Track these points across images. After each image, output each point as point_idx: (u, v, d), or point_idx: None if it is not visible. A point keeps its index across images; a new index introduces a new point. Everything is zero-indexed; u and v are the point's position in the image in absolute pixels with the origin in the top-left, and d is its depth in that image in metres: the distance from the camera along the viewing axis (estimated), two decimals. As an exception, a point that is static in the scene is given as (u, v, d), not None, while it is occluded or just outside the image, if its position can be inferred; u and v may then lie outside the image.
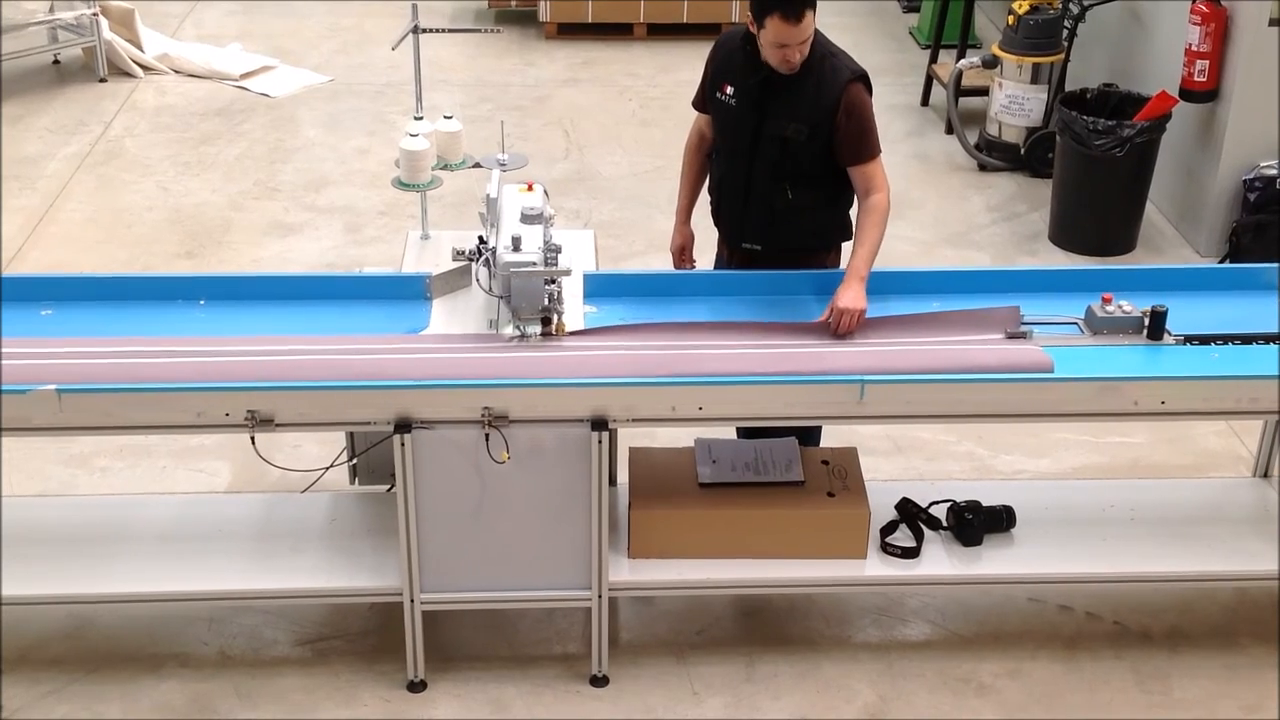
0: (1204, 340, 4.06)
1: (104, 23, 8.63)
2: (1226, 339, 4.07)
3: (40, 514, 4.41)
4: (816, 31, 4.17)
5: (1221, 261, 6.63)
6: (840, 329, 4.04)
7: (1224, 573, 4.25)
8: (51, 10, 8.68)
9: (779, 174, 4.22)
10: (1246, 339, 4.06)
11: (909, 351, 3.95)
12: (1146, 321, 4.04)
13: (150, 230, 6.98)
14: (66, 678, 4.19)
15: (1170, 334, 4.04)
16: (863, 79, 4.18)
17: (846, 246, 4.40)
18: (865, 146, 4.18)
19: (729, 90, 4.25)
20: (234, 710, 4.11)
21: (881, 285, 4.32)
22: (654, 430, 4.77)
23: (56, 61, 8.94)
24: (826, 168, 4.21)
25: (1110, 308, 4.06)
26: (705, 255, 4.71)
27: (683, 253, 4.61)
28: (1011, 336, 4.06)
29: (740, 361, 3.89)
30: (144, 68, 8.85)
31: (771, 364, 3.88)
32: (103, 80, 8.68)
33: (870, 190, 4.19)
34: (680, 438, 4.54)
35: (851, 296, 4.04)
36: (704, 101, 4.40)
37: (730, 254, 4.48)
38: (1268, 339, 4.06)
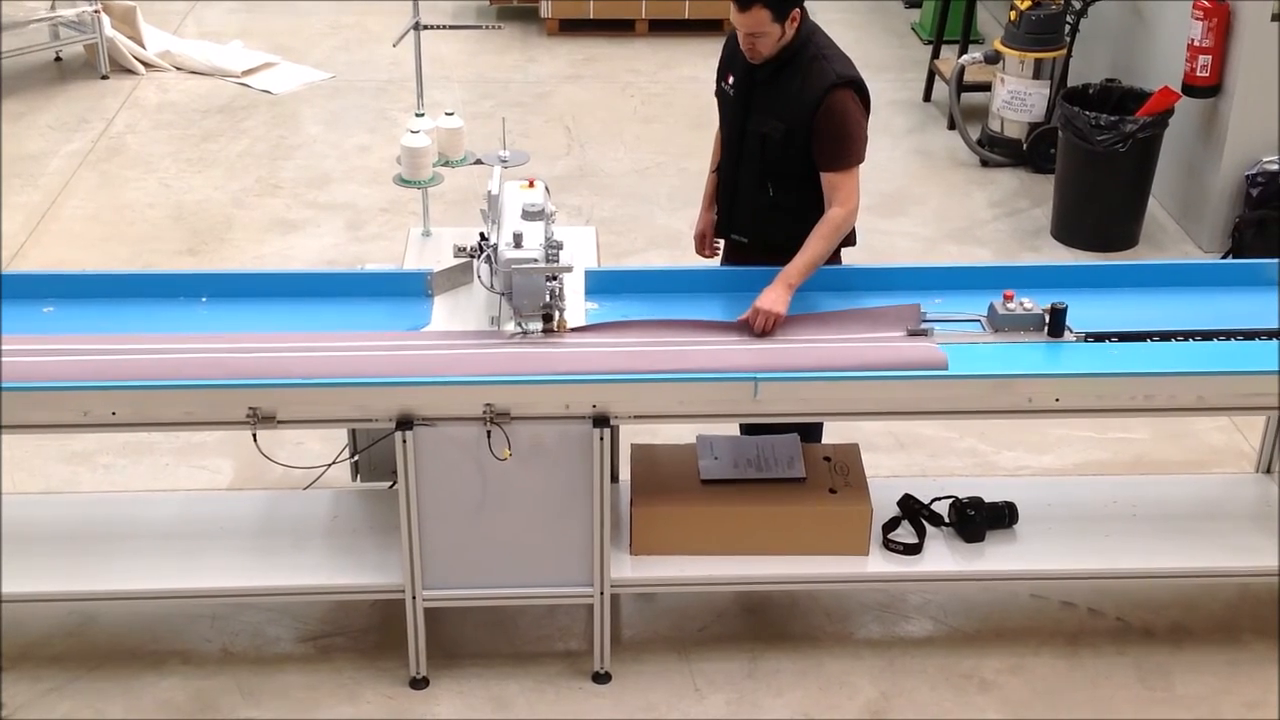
0: (1102, 337, 4.04)
1: (106, 20, 8.62)
2: (1124, 336, 4.05)
3: (43, 511, 4.42)
4: (817, 31, 4.14)
5: (1224, 257, 6.62)
6: (756, 329, 4.02)
7: (1227, 569, 4.24)
8: (53, 7, 8.67)
9: (761, 170, 4.21)
10: (1139, 336, 4.05)
11: (804, 349, 3.93)
12: (1047, 319, 4.03)
13: (152, 227, 6.98)
14: (69, 675, 4.20)
15: (1071, 331, 4.03)
16: (851, 85, 4.09)
17: (846, 250, 4.39)
18: (838, 154, 4.10)
19: (730, 81, 4.25)
20: (236, 707, 4.11)
21: (885, 283, 4.33)
22: (657, 427, 4.77)
23: (58, 59, 8.94)
24: (810, 169, 4.15)
25: (1011, 305, 4.04)
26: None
27: (704, 238, 4.59)
28: (912, 334, 4.04)
29: (634, 359, 3.87)
30: (146, 65, 8.85)
31: (665, 361, 3.86)
32: (105, 77, 8.68)
33: (832, 201, 4.11)
34: (683, 434, 4.54)
35: (771, 299, 4.01)
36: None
37: (725, 244, 4.49)
38: (1162, 336, 4.06)
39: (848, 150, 4.11)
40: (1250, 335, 4.08)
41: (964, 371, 3.86)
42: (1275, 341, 4.03)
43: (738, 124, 4.23)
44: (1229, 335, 4.08)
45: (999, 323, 4.04)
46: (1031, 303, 4.04)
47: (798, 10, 4.05)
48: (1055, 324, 4.01)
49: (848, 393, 3.85)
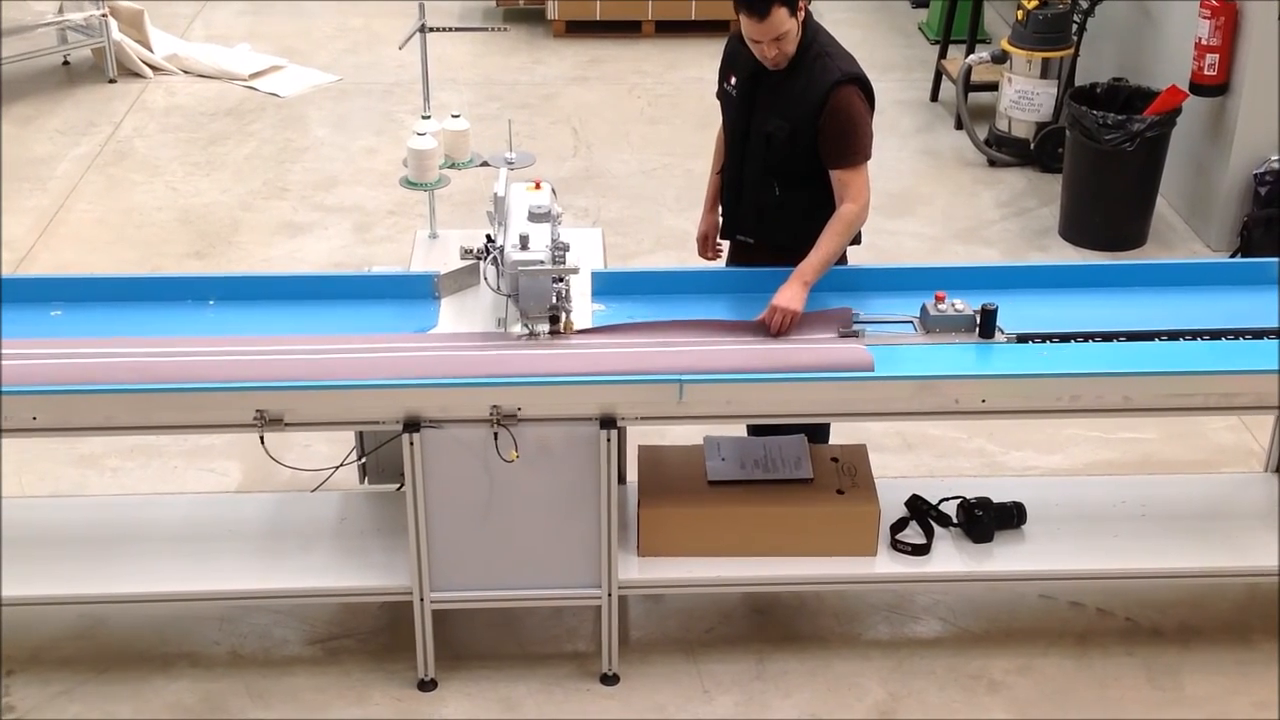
0: (1031, 339, 4.03)
1: (113, 24, 8.63)
2: (1052, 338, 4.04)
3: (51, 514, 4.43)
4: (820, 30, 4.14)
5: (1233, 255, 6.61)
6: (774, 328, 4.01)
7: (1235, 568, 4.23)
8: (61, 11, 8.69)
9: (766, 170, 4.21)
10: (1066, 337, 4.04)
11: (730, 351, 3.92)
12: (979, 320, 4.02)
13: (160, 231, 6.99)
14: (78, 678, 4.20)
15: (1002, 332, 4.02)
16: (855, 82, 4.09)
17: (852, 249, 4.39)
18: (845, 151, 4.10)
19: (732, 81, 4.25)
20: (245, 709, 4.11)
21: (892, 283, 4.32)
22: (664, 428, 4.77)
23: (66, 62, 8.96)
24: (815, 168, 4.15)
25: (943, 306, 4.04)
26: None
27: (706, 240, 4.59)
28: (844, 335, 4.03)
29: (556, 362, 3.87)
30: (153, 68, 8.86)
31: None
32: (112, 81, 8.70)
33: (843, 198, 4.11)
34: (691, 436, 4.53)
35: (788, 296, 4.01)
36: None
37: (730, 245, 4.49)
38: (1088, 337, 4.04)
39: (855, 147, 4.10)
40: (1219, 335, 4.07)
41: (890, 373, 3.85)
42: (1212, 342, 4.03)
43: (742, 124, 4.23)
44: (1196, 335, 4.07)
45: (931, 324, 4.04)
46: (963, 304, 4.03)
47: (803, 1, 4.06)
48: (986, 325, 4.00)
49: (775, 394, 3.84)
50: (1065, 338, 4.05)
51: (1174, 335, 4.07)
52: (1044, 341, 4.03)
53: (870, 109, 4.16)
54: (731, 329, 4.05)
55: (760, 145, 4.19)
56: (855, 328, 4.05)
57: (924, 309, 4.06)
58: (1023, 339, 4.03)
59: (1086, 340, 4.05)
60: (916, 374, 3.86)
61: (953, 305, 4.03)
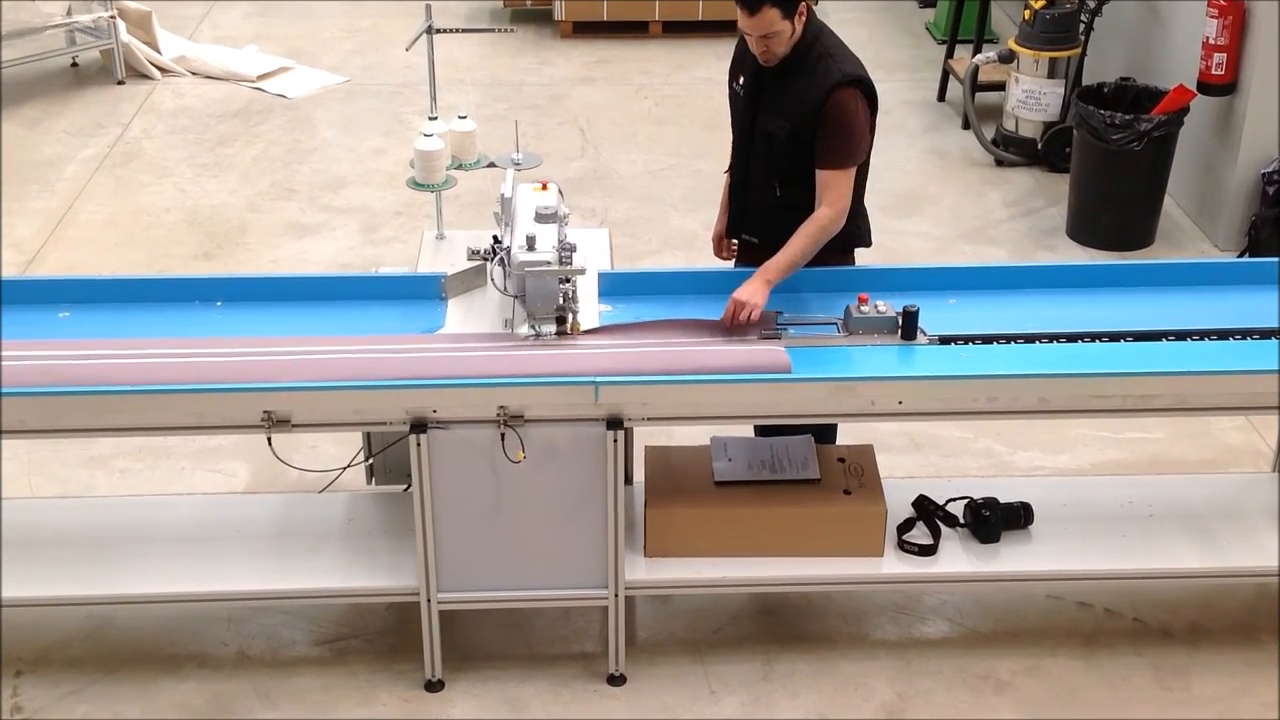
0: (954, 340, 4.02)
1: (121, 25, 8.65)
2: (974, 340, 4.03)
3: (60, 515, 4.44)
4: (825, 31, 4.13)
5: (1241, 255, 6.59)
6: (732, 321, 4.00)
7: (1244, 569, 4.22)
8: (69, 13, 8.70)
9: (769, 170, 4.20)
10: (989, 339, 4.03)
11: (647, 353, 3.91)
12: (900, 321, 4.01)
13: (168, 232, 7.01)
14: (86, 678, 4.21)
15: (924, 334, 4.01)
16: (857, 84, 4.07)
17: (860, 250, 4.39)
18: (834, 151, 4.07)
19: (740, 81, 4.26)
20: (253, 710, 4.12)
21: (898, 283, 4.32)
22: (671, 429, 4.77)
23: (74, 64, 8.98)
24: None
25: (865, 308, 4.03)
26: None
27: (720, 240, 4.58)
28: (766, 337, 4.02)
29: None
30: (161, 70, 8.88)
31: (509, 365, 3.84)
32: (120, 83, 8.72)
33: (822, 200, 4.09)
34: (698, 436, 4.53)
35: (749, 292, 4.00)
36: None
37: (738, 244, 4.49)
38: (1008, 339, 4.04)
39: (846, 149, 4.08)
40: (1184, 335, 4.08)
41: (808, 375, 3.84)
42: (1131, 343, 4.03)
43: (746, 124, 4.24)
44: (1186, 336, 4.07)
45: (854, 326, 4.03)
46: (886, 305, 4.02)
47: (804, 4, 4.04)
48: (908, 327, 3.99)
49: (692, 396, 3.83)
50: (988, 340, 4.03)
51: (1180, 335, 4.07)
52: (967, 344, 4.02)
53: (872, 111, 4.15)
54: (710, 328, 4.05)
55: (763, 145, 4.19)
56: (778, 330, 4.04)
57: (847, 311, 4.05)
58: (945, 341, 4.02)
59: (1009, 342, 4.03)
60: (833, 376, 3.86)
61: (875, 307, 4.02)
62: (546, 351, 3.94)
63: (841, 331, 4.05)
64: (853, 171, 4.11)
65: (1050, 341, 4.04)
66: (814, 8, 4.12)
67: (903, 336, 4.01)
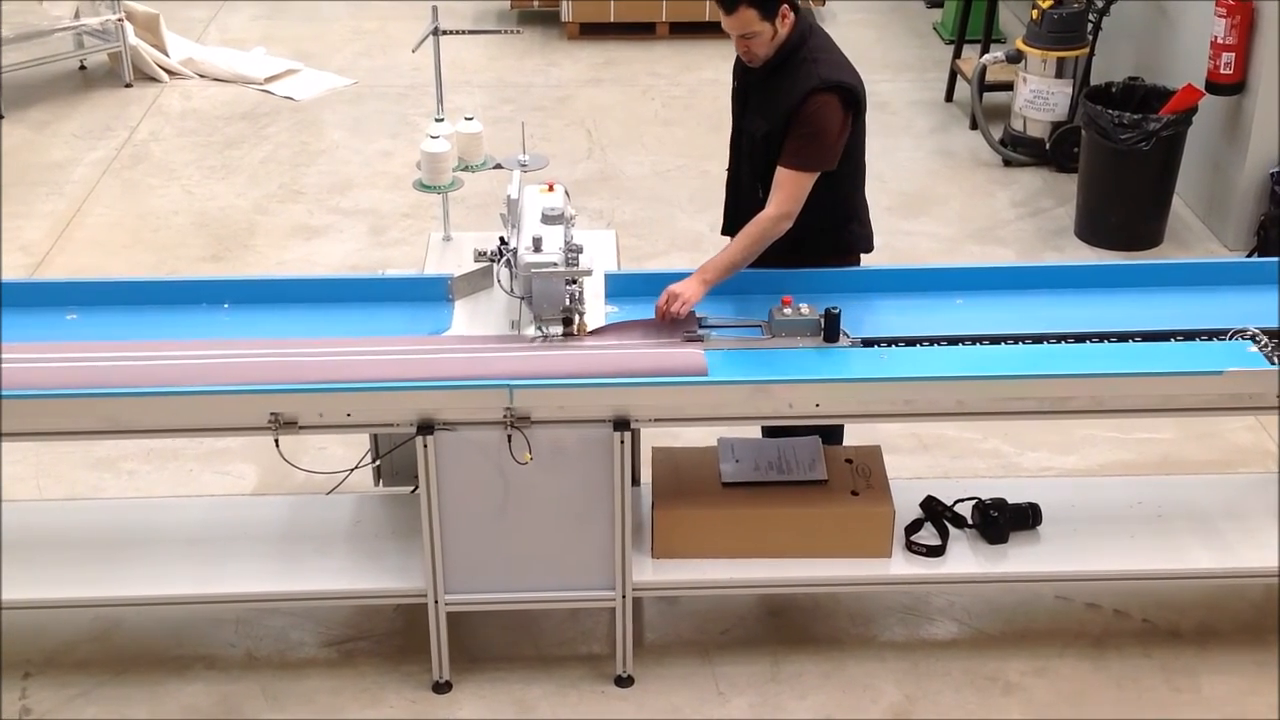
0: (877, 343, 4.01)
1: (129, 28, 8.68)
2: (897, 342, 4.02)
3: (68, 517, 4.45)
4: (815, 34, 4.09)
5: (1249, 255, 6.58)
6: (662, 310, 3.98)
7: (1253, 569, 4.21)
8: (77, 16, 8.72)
9: (753, 170, 4.20)
10: (911, 341, 4.02)
11: (562, 357, 3.90)
12: (823, 323, 3.99)
13: (176, 234, 7.02)
14: (94, 680, 4.22)
15: (847, 335, 4.00)
16: (836, 90, 4.00)
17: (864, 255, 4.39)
18: (796, 152, 4.01)
19: (735, 81, 4.27)
20: (261, 711, 4.12)
21: (906, 284, 4.32)
22: (679, 430, 4.76)
23: (82, 67, 9.00)
24: None
25: (788, 310, 4.01)
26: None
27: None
28: (688, 340, 4.00)
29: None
30: (169, 72, 8.90)
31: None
32: (128, 85, 8.74)
33: (771, 199, 4.05)
34: (705, 438, 4.53)
35: (683, 286, 4.00)
36: None
37: None
38: (933, 341, 4.03)
39: (808, 152, 4.02)
40: (1126, 336, 4.08)
41: (724, 378, 3.83)
42: (1053, 346, 4.01)
43: (736, 124, 4.26)
44: (1128, 337, 4.07)
45: (777, 328, 4.01)
46: (809, 308, 4.00)
47: (787, 6, 4.00)
48: (830, 329, 3.98)
49: (608, 399, 3.81)
50: (911, 342, 4.02)
51: (1189, 335, 4.06)
52: (889, 346, 4.01)
53: (854, 116, 4.07)
54: (641, 327, 4.06)
55: (749, 145, 4.20)
56: (701, 332, 4.02)
57: (770, 313, 4.03)
58: (868, 343, 4.01)
59: (936, 344, 4.02)
60: (748, 378, 3.84)
61: (798, 309, 4.01)
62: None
63: (766, 333, 4.04)
64: (811, 176, 4.02)
65: (974, 344, 4.03)
66: (814, 9, 4.10)
67: (825, 339, 3.99)
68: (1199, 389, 3.85)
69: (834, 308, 3.98)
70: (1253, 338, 3.97)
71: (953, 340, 4.05)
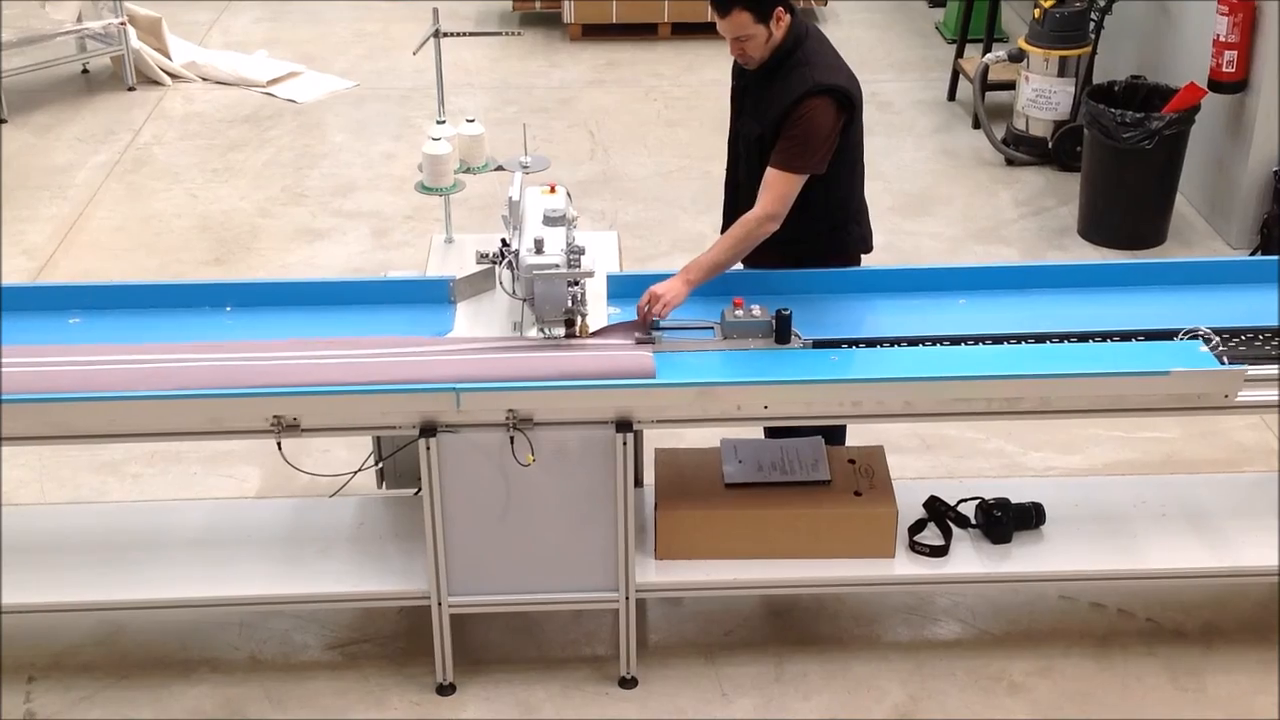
0: (827, 345, 4.00)
1: (132, 32, 8.68)
2: (847, 344, 4.01)
3: (72, 521, 4.45)
4: (811, 37, 4.09)
5: (1253, 253, 6.57)
6: (644, 310, 3.98)
7: (1258, 568, 4.20)
8: (80, 20, 8.73)
9: (750, 172, 4.19)
10: (872, 343, 4.02)
11: (509, 360, 3.89)
12: (774, 325, 3.98)
13: (179, 237, 7.02)
14: (99, 684, 4.22)
15: (798, 337, 3.99)
16: (829, 94, 3.99)
17: (864, 258, 4.38)
18: (785, 152, 4.00)
19: (735, 84, 4.27)
20: (264, 714, 4.13)
21: (910, 284, 4.31)
22: (681, 431, 4.76)
23: (85, 71, 9.01)
24: None
25: (740, 312, 4.00)
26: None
27: None
28: (641, 342, 4.00)
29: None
30: (172, 76, 8.91)
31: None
32: (131, 89, 8.74)
33: (759, 198, 4.04)
34: (708, 439, 4.53)
35: (665, 287, 3.99)
36: None
37: None
38: (892, 342, 4.02)
39: (797, 153, 4.00)
40: (1107, 335, 4.07)
41: (672, 380, 3.82)
42: (1003, 347, 4.00)
43: (733, 125, 4.27)
44: (1104, 336, 4.06)
45: (729, 330, 4.00)
46: (760, 309, 3.99)
47: (782, 9, 4.00)
48: (781, 330, 3.97)
49: (557, 402, 3.80)
50: (871, 344, 4.01)
51: (1191, 334, 4.06)
52: (841, 347, 4.00)
53: (847, 120, 4.07)
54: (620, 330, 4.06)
55: (743, 147, 4.21)
56: (654, 334, 4.01)
57: (722, 315, 4.02)
58: (819, 345, 4.00)
59: (893, 346, 4.01)
60: (695, 381, 3.83)
61: (750, 311, 4.00)
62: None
63: (719, 335, 4.04)
64: (799, 178, 4.01)
65: (935, 345, 4.01)
66: (815, 9, 4.11)
67: (776, 340, 3.98)
68: (1148, 389, 3.84)
69: (785, 309, 3.97)
70: (1204, 338, 3.97)
71: (907, 341, 4.02)
